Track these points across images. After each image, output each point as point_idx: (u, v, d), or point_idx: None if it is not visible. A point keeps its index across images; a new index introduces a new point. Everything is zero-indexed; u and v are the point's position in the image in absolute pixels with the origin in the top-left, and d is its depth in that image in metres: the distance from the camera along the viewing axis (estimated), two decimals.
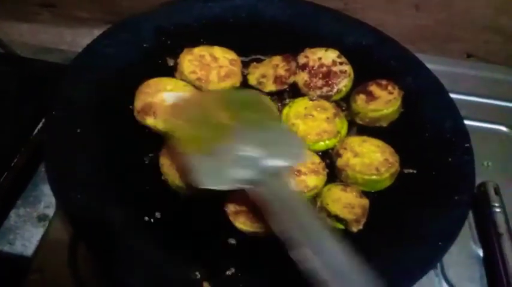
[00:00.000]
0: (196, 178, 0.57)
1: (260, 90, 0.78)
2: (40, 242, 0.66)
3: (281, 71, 0.80)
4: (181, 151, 0.60)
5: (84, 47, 0.76)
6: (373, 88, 0.78)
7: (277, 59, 0.82)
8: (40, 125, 0.77)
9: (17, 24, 1.01)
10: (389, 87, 0.78)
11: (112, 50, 0.77)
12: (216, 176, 0.58)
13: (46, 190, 0.72)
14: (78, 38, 0.98)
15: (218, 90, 0.70)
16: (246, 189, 0.57)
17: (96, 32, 0.79)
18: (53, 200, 0.71)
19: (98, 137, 0.67)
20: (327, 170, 0.69)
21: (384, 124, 0.77)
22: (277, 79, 0.79)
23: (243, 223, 0.61)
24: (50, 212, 0.70)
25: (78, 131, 0.67)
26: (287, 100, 0.79)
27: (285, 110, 0.76)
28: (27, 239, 0.67)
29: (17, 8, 1.01)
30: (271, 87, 0.79)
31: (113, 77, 0.74)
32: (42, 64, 0.89)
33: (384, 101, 0.76)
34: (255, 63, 0.83)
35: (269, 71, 0.81)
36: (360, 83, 0.80)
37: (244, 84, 0.80)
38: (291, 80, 0.80)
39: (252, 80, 0.81)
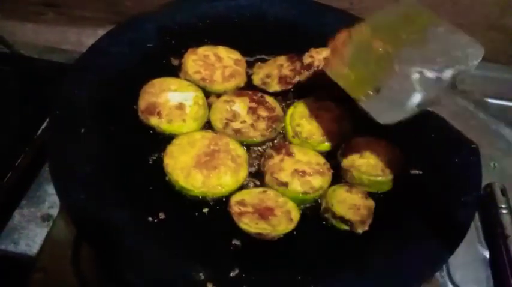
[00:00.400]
0: (378, 117, 0.56)
1: (265, 91, 0.78)
2: (44, 242, 0.66)
3: (286, 71, 0.80)
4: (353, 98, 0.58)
5: (88, 47, 0.76)
6: None
7: (281, 59, 0.82)
8: (44, 124, 0.77)
9: (21, 24, 1.02)
10: None
11: (116, 50, 0.77)
12: (395, 108, 0.55)
13: (50, 189, 0.72)
14: (82, 38, 0.98)
15: (368, 20, 0.63)
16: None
17: (100, 32, 0.79)
18: (56, 200, 0.70)
19: (102, 137, 0.67)
20: (331, 171, 0.68)
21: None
22: (281, 79, 0.79)
23: (247, 224, 0.60)
24: (54, 212, 0.70)
25: (82, 131, 0.66)
26: (292, 100, 0.79)
27: (290, 110, 0.75)
28: (31, 238, 0.67)
29: (21, 8, 1.01)
30: (275, 87, 0.78)
31: (117, 77, 0.74)
32: (46, 64, 0.89)
33: None
34: (259, 63, 0.83)
35: (274, 71, 0.80)
36: None
37: (249, 84, 0.80)
38: (296, 80, 0.79)
39: (257, 80, 0.80)
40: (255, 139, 0.71)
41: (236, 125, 0.72)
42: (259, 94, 0.76)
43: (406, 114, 0.55)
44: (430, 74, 0.55)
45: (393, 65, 0.57)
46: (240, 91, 0.77)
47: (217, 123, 0.72)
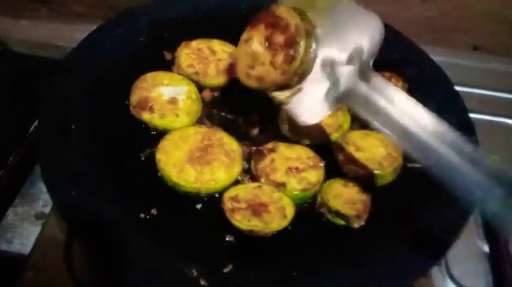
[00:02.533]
0: (304, 119, 0.59)
1: None
2: (36, 240, 0.65)
3: None
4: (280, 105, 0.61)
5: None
6: None
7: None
8: (37, 122, 0.76)
9: (13, 20, 1.00)
10: (393, 80, 0.76)
11: (108, 45, 0.76)
12: (318, 106, 0.58)
13: (44, 187, 0.70)
14: (75, 34, 0.97)
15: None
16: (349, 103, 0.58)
17: (94, 28, 0.78)
18: None
19: (93, 133, 0.66)
20: (323, 163, 0.67)
21: None
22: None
23: (239, 221, 0.59)
24: (48, 210, 0.69)
25: (73, 127, 0.66)
26: None
27: None
28: (25, 237, 0.67)
29: (13, 4, 1.00)
30: None
31: (109, 72, 0.73)
32: (39, 60, 0.88)
33: None
34: None
35: None
36: None
37: None
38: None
39: None
40: (278, 81, 0.61)
41: (257, 71, 0.62)
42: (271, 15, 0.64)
43: (331, 107, 0.58)
44: (336, 61, 0.56)
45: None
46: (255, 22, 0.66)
47: (242, 76, 0.63)
